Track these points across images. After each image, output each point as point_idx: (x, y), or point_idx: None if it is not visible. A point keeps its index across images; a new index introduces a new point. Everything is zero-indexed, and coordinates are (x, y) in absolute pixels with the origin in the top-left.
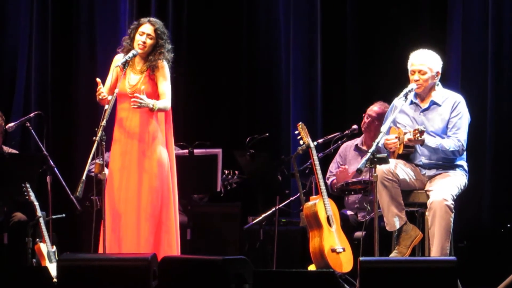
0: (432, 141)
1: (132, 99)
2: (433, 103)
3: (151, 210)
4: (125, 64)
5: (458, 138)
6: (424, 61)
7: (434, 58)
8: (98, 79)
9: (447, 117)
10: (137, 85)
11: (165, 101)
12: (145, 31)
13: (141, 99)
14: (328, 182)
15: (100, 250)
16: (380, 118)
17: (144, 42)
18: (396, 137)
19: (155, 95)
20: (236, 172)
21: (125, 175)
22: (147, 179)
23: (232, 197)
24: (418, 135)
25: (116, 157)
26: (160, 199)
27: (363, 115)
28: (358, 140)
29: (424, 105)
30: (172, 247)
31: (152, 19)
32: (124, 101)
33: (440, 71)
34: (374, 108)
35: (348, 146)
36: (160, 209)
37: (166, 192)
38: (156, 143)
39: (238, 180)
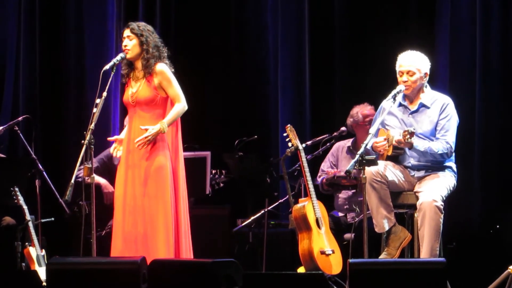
0: (420, 145)
1: (136, 144)
2: (422, 105)
3: (154, 215)
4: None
5: (446, 140)
6: (413, 62)
7: (422, 59)
8: (109, 138)
9: (436, 119)
10: (137, 92)
11: (178, 106)
12: (124, 35)
13: (144, 138)
14: (319, 180)
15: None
16: None
17: (126, 46)
18: (385, 139)
19: (155, 99)
20: (223, 171)
21: (131, 182)
22: (147, 185)
23: (221, 199)
24: (408, 136)
25: (123, 166)
26: (162, 205)
27: (362, 117)
28: (350, 142)
29: (413, 107)
30: (185, 252)
31: (129, 23)
32: (128, 109)
33: (428, 72)
34: (369, 110)
35: (340, 147)
36: (167, 214)
37: (173, 198)
38: (158, 149)
39: (225, 179)
